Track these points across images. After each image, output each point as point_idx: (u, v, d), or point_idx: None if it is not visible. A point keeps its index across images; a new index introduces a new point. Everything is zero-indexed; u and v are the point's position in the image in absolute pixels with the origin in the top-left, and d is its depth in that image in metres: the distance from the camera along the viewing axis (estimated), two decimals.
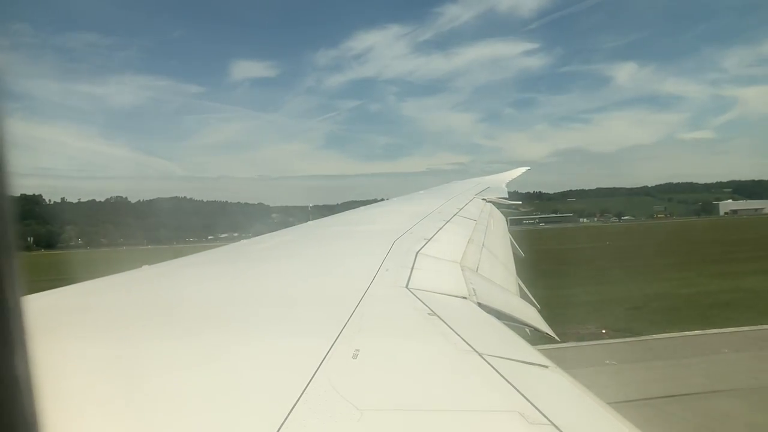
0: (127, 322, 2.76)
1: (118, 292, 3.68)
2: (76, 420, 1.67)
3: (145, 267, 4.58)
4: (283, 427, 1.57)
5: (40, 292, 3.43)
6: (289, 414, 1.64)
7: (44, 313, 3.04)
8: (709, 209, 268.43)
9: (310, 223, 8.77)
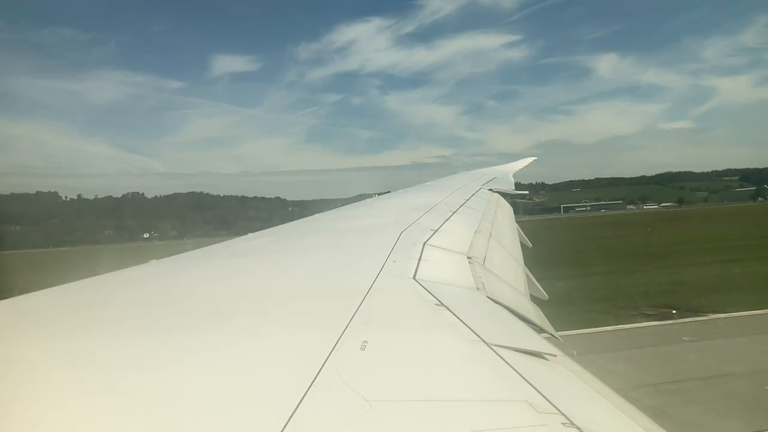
0: (133, 317, 2.77)
1: (124, 288, 3.70)
2: (85, 418, 1.68)
3: (153, 261, 4.60)
4: (292, 418, 1.58)
5: (41, 290, 3.44)
6: (298, 405, 1.64)
7: (47, 310, 3.06)
8: (765, 194, 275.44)
9: (315, 215, 8.76)
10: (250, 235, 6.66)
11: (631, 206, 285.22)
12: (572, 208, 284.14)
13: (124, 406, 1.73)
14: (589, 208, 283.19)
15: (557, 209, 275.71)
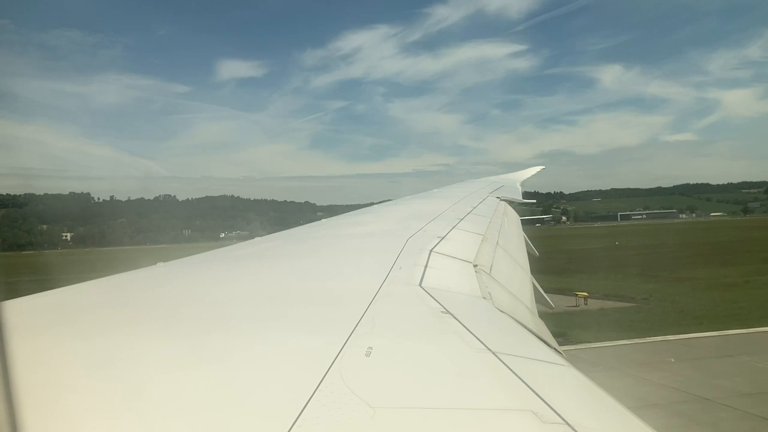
0: (138, 320, 2.78)
1: (130, 290, 3.71)
2: (85, 419, 1.68)
3: (160, 264, 4.62)
4: (296, 424, 1.58)
5: (44, 291, 3.46)
6: (302, 411, 1.64)
7: (49, 311, 3.07)
8: None
9: (323, 221, 8.77)
10: (256, 239, 6.68)
11: (683, 215, 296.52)
12: (629, 216, 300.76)
13: (125, 408, 1.73)
14: (644, 216, 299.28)
15: (613, 217, 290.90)
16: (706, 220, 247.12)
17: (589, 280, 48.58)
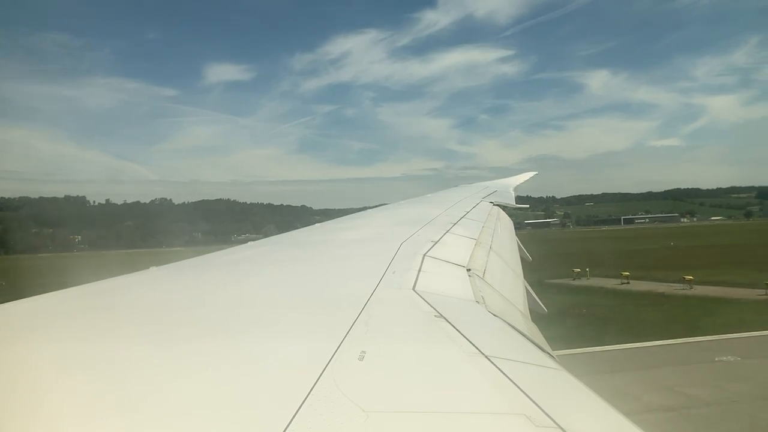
0: (129, 324, 2.76)
1: (122, 294, 3.69)
2: (79, 424, 1.67)
3: (153, 268, 4.60)
4: (288, 428, 1.57)
5: (40, 294, 3.43)
6: (294, 415, 1.64)
7: (44, 314, 3.05)
8: None
9: (315, 225, 8.76)
10: (249, 243, 6.66)
11: (684, 219, 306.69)
12: (631, 220, 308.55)
13: (117, 414, 1.72)
14: (647, 220, 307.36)
15: (615, 221, 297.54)
16: (712, 224, 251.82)
17: (723, 274, 50.20)
